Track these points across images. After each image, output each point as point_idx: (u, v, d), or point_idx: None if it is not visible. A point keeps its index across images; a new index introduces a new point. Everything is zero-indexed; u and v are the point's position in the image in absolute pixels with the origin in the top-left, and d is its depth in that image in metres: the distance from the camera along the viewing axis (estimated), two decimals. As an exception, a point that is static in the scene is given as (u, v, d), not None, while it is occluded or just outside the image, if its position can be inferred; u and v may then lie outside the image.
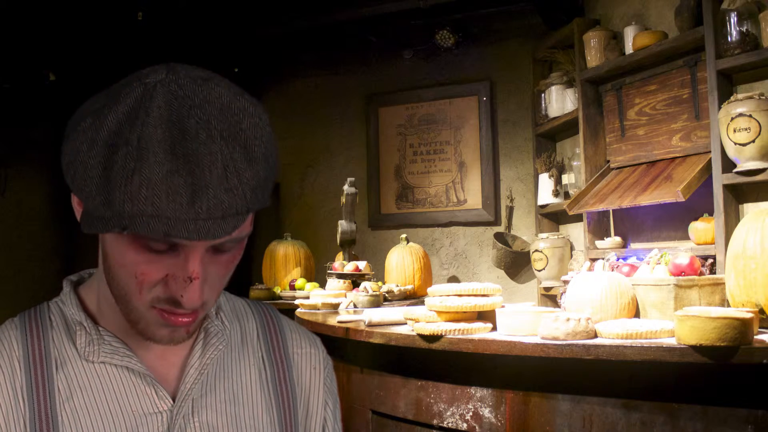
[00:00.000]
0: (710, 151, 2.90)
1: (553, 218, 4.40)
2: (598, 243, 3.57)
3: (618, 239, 3.50)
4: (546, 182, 4.25)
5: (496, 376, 2.32)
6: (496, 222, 4.81)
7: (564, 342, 2.11)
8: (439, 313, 2.43)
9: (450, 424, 2.41)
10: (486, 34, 4.88)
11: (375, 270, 4.22)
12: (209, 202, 0.71)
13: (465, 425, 2.38)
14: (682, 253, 2.55)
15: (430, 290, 2.57)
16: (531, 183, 4.62)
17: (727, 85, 2.90)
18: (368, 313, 2.73)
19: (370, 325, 2.64)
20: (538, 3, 4.28)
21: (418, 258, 4.02)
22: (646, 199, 3.09)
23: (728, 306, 2.33)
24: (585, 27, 3.79)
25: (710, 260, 2.80)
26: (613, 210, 3.56)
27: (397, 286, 3.76)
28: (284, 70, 5.58)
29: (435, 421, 2.46)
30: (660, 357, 1.97)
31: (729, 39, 2.80)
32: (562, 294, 2.75)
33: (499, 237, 4.58)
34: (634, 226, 3.52)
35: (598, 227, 3.67)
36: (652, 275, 2.47)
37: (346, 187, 4.09)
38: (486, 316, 2.48)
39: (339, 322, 2.81)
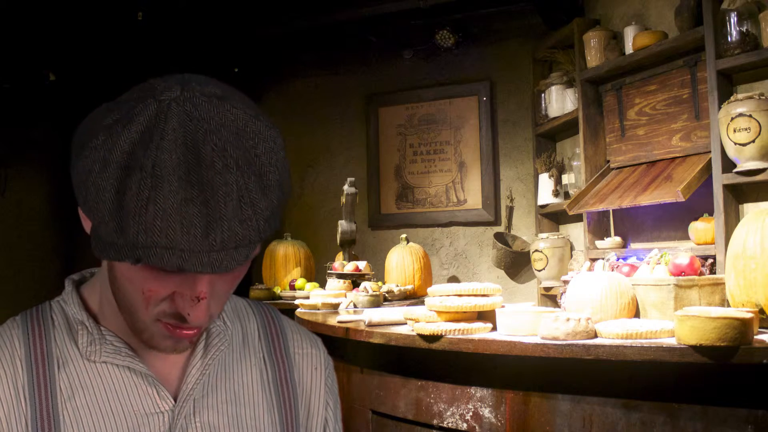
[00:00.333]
0: (710, 151, 2.90)
1: (553, 218, 4.40)
2: (598, 243, 3.57)
3: (618, 239, 3.50)
4: (546, 182, 4.25)
5: (496, 376, 2.32)
6: (496, 222, 4.81)
7: (564, 342, 2.11)
8: (439, 313, 2.43)
9: (450, 424, 2.41)
10: (486, 34, 4.88)
11: (375, 270, 4.22)
12: (224, 234, 0.71)
13: (465, 425, 2.38)
14: (682, 253, 2.56)
15: (430, 290, 2.57)
16: (531, 183, 4.62)
17: (727, 85, 2.91)
18: (368, 313, 2.74)
19: (370, 325, 2.64)
20: (538, 3, 4.28)
21: (418, 258, 4.02)
22: (646, 199, 3.09)
23: (728, 306, 2.33)
24: (585, 27, 3.79)
25: (710, 260, 2.80)
26: (613, 210, 3.56)
27: (397, 286, 3.76)
28: (284, 70, 5.58)
29: (435, 421, 2.46)
30: (660, 357, 1.97)
31: (729, 39, 2.80)
32: (562, 294, 2.75)
33: (499, 237, 4.58)
34: (634, 226, 3.52)
35: (598, 227, 3.67)
36: (652, 275, 2.47)
37: (346, 187, 4.09)
38: (486, 316, 2.48)
39: (339, 322, 2.81)
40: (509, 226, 4.74)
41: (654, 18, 3.46)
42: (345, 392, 2.79)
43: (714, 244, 2.87)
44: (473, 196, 4.89)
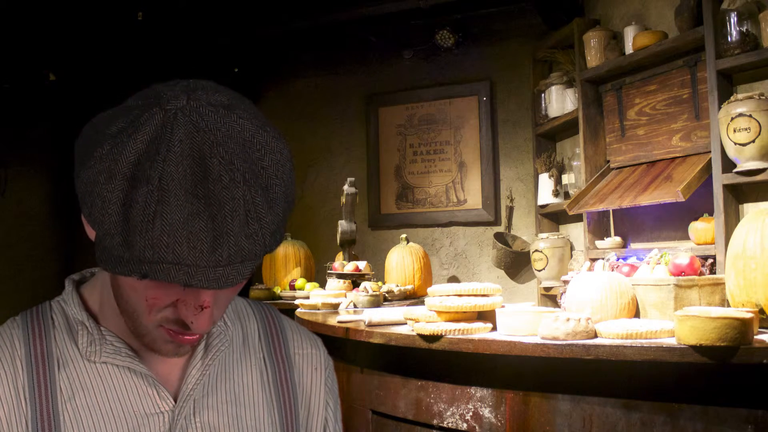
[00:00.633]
0: (710, 151, 2.90)
1: (553, 218, 4.40)
2: (598, 243, 3.57)
3: (618, 239, 3.50)
4: (546, 182, 4.25)
5: (496, 376, 2.32)
6: (496, 222, 4.81)
7: (564, 342, 2.11)
8: (439, 313, 2.43)
9: (450, 424, 2.41)
10: (486, 34, 4.88)
11: (375, 270, 4.22)
12: (230, 249, 0.71)
13: (465, 425, 2.38)
14: (682, 253, 2.56)
15: (430, 290, 2.57)
16: (531, 183, 4.62)
17: (727, 85, 2.90)
18: (368, 313, 2.74)
19: (370, 325, 2.64)
20: (538, 3, 4.28)
21: (418, 258, 4.02)
22: (646, 199, 3.09)
23: (728, 306, 2.33)
24: (585, 27, 3.79)
25: (710, 260, 2.80)
26: (613, 210, 3.56)
27: (397, 286, 3.76)
28: (284, 70, 5.58)
29: (435, 421, 2.46)
30: (660, 357, 1.97)
31: (729, 39, 2.80)
32: (562, 294, 2.75)
33: (499, 237, 4.58)
34: (634, 226, 3.52)
35: (598, 227, 3.67)
36: (652, 275, 2.47)
37: (346, 187, 4.09)
38: (486, 316, 2.48)
39: (339, 322, 2.81)
40: (509, 226, 4.74)
41: (654, 18, 3.46)
42: (345, 392, 2.79)
43: (714, 244, 2.87)
44: (473, 196, 4.89)
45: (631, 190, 3.27)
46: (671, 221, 3.29)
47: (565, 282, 2.78)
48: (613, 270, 2.64)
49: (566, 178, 4.12)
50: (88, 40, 4.77)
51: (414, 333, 2.41)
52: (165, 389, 0.88)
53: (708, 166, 2.93)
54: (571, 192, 4.04)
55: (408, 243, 4.10)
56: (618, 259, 2.78)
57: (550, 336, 2.15)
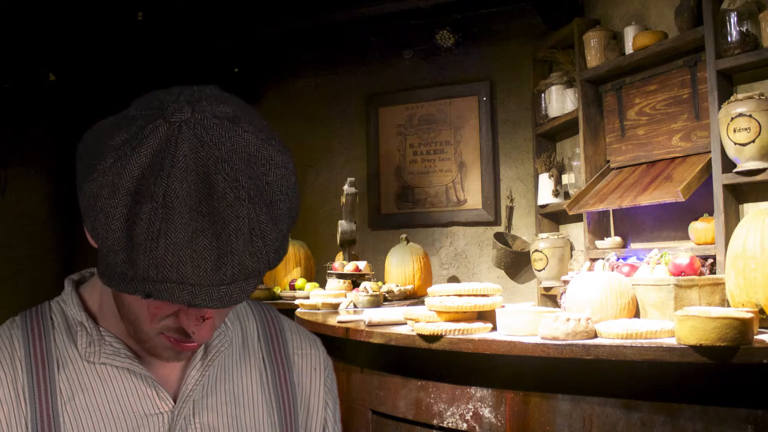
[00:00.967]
0: (710, 151, 2.90)
1: (553, 218, 4.40)
2: (598, 243, 3.57)
3: (618, 239, 3.50)
4: (546, 182, 4.25)
5: (496, 376, 2.32)
6: (496, 222, 4.81)
7: (564, 342, 2.11)
8: (439, 313, 2.43)
9: (450, 424, 2.41)
10: (486, 34, 4.88)
11: (375, 270, 4.22)
12: (234, 268, 0.71)
13: (465, 425, 2.38)
14: (682, 253, 2.56)
15: (430, 290, 2.57)
16: (531, 183, 4.62)
17: (727, 85, 2.90)
18: (368, 313, 2.73)
19: (370, 325, 2.64)
20: (538, 3, 4.28)
21: (418, 258, 4.01)
22: (646, 199, 3.09)
23: (728, 306, 2.33)
24: (585, 27, 3.79)
25: (710, 260, 2.80)
26: (613, 210, 3.56)
27: (397, 286, 3.76)
28: (284, 70, 5.58)
29: (435, 421, 2.46)
30: (660, 357, 1.97)
31: (729, 39, 2.80)
32: (562, 294, 2.75)
33: (499, 237, 4.58)
34: (634, 226, 3.52)
35: (598, 227, 3.67)
36: (652, 275, 2.47)
37: (346, 187, 4.09)
38: (486, 316, 2.48)
39: (339, 322, 2.81)
40: (509, 226, 4.74)
41: (654, 18, 3.46)
42: (345, 392, 2.79)
43: (714, 244, 2.87)
44: (473, 196, 4.89)
45: (631, 190, 3.27)
46: (671, 221, 3.29)
47: (565, 282, 2.78)
48: (613, 270, 2.64)
49: (566, 178, 4.11)
50: (88, 40, 4.77)
51: (414, 333, 2.41)
52: (164, 390, 0.88)
53: (708, 166, 2.93)
54: (571, 192, 4.04)
55: (408, 243, 4.10)
56: (618, 259, 2.78)
57: (550, 336, 2.15)
